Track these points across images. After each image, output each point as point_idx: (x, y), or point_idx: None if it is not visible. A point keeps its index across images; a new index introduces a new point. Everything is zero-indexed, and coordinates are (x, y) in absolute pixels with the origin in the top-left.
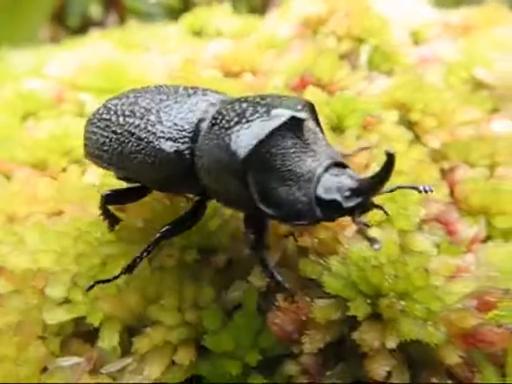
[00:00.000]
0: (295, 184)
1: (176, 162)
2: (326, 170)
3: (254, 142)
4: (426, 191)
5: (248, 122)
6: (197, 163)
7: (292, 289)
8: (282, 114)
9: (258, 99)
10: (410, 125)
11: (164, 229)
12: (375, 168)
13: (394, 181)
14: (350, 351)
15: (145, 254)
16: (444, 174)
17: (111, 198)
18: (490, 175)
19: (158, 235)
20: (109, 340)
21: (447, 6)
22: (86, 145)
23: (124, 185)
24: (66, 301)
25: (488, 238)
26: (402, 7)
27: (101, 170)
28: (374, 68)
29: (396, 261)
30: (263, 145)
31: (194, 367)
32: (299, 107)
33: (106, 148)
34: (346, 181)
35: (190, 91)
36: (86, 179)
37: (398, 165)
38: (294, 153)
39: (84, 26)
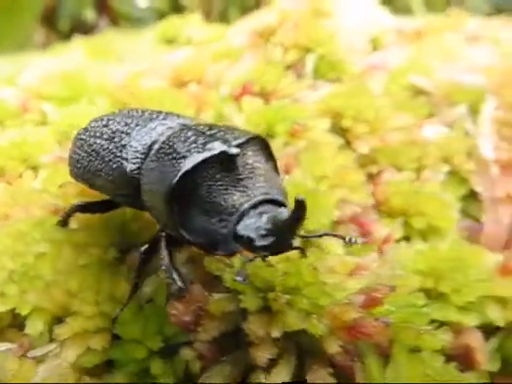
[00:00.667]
0: (217, 216)
1: (128, 180)
2: (254, 206)
3: (181, 172)
4: (350, 240)
5: (186, 151)
6: (140, 180)
7: (188, 287)
8: (213, 148)
9: (206, 129)
10: (342, 131)
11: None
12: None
13: (317, 186)
14: (242, 340)
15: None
16: (371, 178)
17: (82, 209)
18: (417, 178)
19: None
20: (34, 327)
21: (437, 9)
22: (69, 163)
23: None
24: (1, 294)
25: (407, 239)
26: (363, 14)
27: (46, 176)
28: (320, 77)
29: (289, 259)
30: (190, 175)
31: (107, 352)
32: (237, 142)
33: (79, 166)
34: (266, 220)
35: (154, 115)
36: (34, 184)
37: (323, 170)
38: (221, 186)
39: (76, 31)
